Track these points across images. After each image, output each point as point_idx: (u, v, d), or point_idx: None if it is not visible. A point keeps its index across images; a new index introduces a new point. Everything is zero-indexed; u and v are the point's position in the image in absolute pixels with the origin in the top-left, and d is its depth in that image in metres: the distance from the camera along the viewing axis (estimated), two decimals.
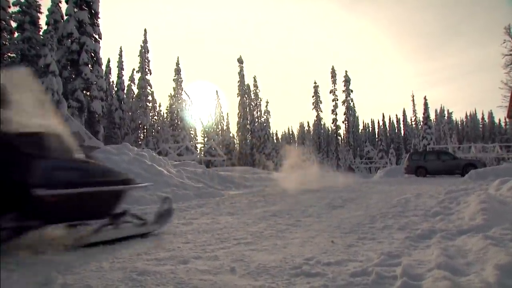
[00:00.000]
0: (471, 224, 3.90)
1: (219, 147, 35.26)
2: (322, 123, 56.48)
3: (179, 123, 40.64)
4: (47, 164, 3.20)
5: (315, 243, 3.58)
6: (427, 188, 9.47)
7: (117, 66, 37.81)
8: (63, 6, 25.29)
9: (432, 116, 62.43)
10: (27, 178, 3.03)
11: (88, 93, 24.77)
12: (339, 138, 55.48)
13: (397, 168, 21.39)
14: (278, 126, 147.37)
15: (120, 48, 39.16)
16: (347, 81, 53.03)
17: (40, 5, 25.44)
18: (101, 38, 25.83)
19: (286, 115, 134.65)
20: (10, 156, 3.04)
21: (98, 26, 25.80)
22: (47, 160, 3.21)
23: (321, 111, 53.93)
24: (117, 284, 2.37)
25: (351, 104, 54.04)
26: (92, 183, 3.46)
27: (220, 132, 50.86)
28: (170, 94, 42.45)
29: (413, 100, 60.46)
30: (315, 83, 53.51)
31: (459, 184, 10.01)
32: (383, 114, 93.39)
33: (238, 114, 47.46)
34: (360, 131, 72.26)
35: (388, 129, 75.52)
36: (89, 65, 24.68)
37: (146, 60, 37.88)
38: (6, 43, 23.87)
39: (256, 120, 47.28)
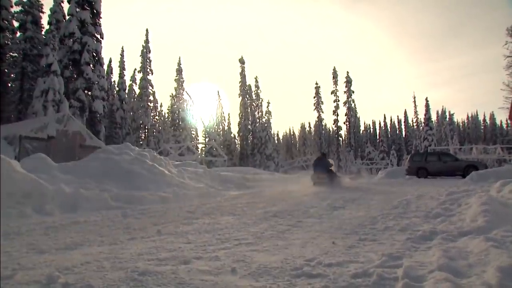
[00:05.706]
0: (472, 226, 3.89)
1: (220, 147, 35.22)
2: (323, 124, 56.29)
3: (180, 123, 40.62)
4: None
5: (316, 244, 3.57)
6: (428, 189, 9.45)
7: (119, 66, 37.86)
8: (65, 6, 25.38)
9: (434, 118, 62.44)
10: None
11: (89, 92, 24.76)
12: (340, 139, 55.36)
13: (398, 169, 21.32)
14: (279, 126, 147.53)
15: (122, 48, 38.93)
16: (348, 82, 52.91)
17: (42, 4, 25.48)
18: (102, 38, 25.85)
19: (287, 116, 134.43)
20: None
21: (100, 26, 25.80)
22: None
23: (322, 112, 53.72)
24: (119, 284, 2.38)
25: (353, 105, 53.88)
26: None
27: (221, 132, 50.76)
28: (172, 94, 42.36)
29: (414, 101, 60.44)
30: (316, 84, 53.33)
31: (460, 185, 10.00)
32: (384, 115, 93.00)
33: (239, 114, 47.45)
34: (361, 132, 72.09)
35: (389, 130, 75.39)
36: (91, 65, 24.68)
37: (147, 60, 37.85)
38: (8, 42, 23.89)
39: (257, 120, 47.20)
